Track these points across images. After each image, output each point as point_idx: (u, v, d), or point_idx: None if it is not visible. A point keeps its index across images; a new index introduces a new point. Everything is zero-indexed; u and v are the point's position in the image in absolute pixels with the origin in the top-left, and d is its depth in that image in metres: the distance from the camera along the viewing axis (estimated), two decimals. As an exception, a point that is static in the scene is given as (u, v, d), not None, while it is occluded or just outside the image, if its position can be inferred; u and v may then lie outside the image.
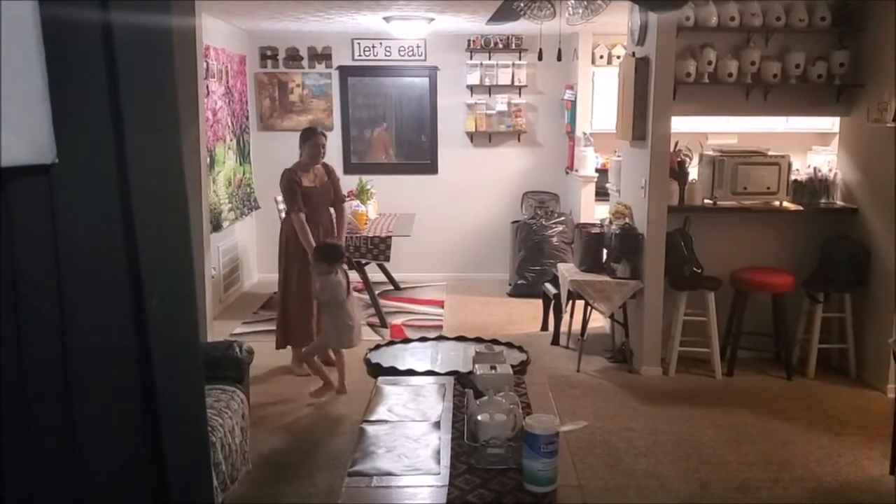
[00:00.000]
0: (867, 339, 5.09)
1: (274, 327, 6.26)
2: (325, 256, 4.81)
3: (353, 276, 6.46)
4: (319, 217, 5.25)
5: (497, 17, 4.12)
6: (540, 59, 5.15)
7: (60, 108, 0.84)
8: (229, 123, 6.99)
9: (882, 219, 4.94)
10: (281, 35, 7.64)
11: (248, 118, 7.64)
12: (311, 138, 5.17)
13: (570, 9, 3.66)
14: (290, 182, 5.11)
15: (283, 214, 5.48)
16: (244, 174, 7.45)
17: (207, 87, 6.19)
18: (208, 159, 6.11)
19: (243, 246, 7.51)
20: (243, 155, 7.45)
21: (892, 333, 4.63)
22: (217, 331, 5.73)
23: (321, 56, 7.74)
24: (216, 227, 6.37)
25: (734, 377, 5.16)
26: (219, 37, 6.74)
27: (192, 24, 4.68)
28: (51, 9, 0.82)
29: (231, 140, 7.05)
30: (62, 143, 0.84)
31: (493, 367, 3.05)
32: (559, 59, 4.76)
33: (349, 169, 7.76)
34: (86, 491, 0.91)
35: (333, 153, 7.10)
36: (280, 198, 6.79)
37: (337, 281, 4.78)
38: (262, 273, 7.92)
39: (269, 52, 7.73)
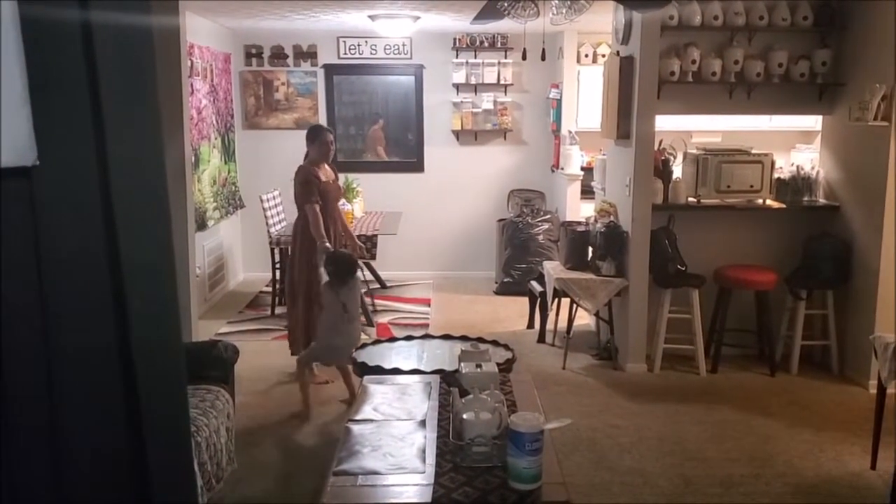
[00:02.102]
0: (849, 336, 5.14)
1: (260, 326, 6.28)
2: (336, 268, 4.54)
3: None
4: (334, 213, 5.17)
5: (481, 16, 4.12)
6: (524, 58, 5.17)
7: (40, 110, 0.83)
8: (214, 122, 6.96)
9: (864, 216, 5.00)
10: (266, 33, 7.61)
11: (232, 116, 7.61)
12: (321, 136, 5.09)
13: (553, 8, 3.67)
14: (308, 176, 4.94)
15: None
16: (229, 173, 7.42)
17: (192, 85, 6.17)
18: (193, 158, 6.09)
19: (228, 245, 7.48)
20: (228, 153, 7.41)
21: (874, 329, 4.69)
22: (202, 330, 5.70)
23: (306, 54, 7.72)
24: (201, 225, 6.35)
25: (718, 374, 5.19)
26: (203, 35, 6.71)
27: (177, 22, 4.66)
28: (29, 8, 0.81)
29: (216, 138, 7.02)
30: (42, 145, 0.84)
31: (478, 366, 3.06)
32: (543, 58, 4.79)
33: (336, 167, 7.73)
34: (68, 491, 0.91)
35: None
36: (266, 195, 6.78)
37: (338, 297, 4.50)
38: (247, 272, 7.90)
39: (253, 51, 7.70)
